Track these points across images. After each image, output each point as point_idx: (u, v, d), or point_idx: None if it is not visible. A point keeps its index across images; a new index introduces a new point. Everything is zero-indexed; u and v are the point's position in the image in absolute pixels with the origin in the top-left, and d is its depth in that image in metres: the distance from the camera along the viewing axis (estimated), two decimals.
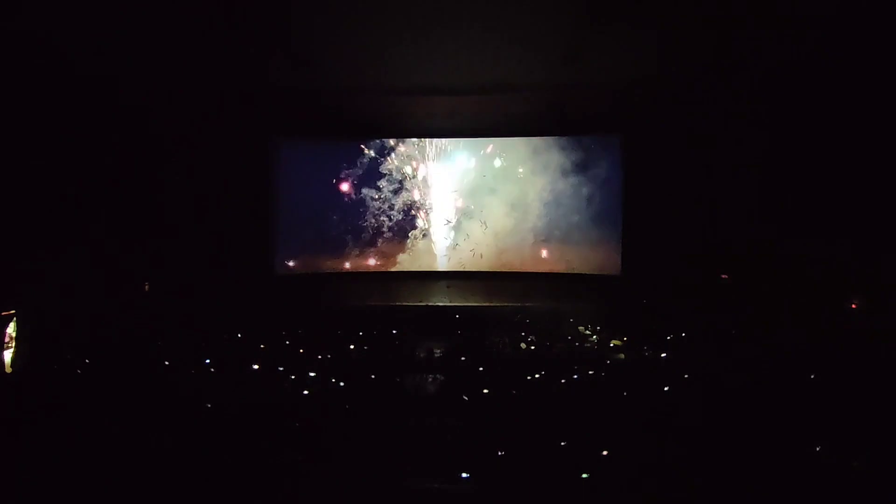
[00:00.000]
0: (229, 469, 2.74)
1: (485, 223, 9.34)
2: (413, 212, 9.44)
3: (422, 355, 5.32)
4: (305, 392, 4.00)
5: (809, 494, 2.56)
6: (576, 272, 9.11)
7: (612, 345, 5.74)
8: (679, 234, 8.05)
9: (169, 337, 5.59)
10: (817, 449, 2.86)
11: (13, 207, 5.81)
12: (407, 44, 6.06)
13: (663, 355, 5.10)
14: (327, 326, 6.44)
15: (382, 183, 9.37)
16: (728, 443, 2.95)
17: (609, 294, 8.38)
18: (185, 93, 7.37)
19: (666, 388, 3.97)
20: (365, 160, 9.33)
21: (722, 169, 7.64)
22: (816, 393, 3.87)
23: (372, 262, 9.47)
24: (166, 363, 4.71)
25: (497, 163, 9.32)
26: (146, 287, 7.40)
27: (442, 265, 9.51)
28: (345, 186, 9.32)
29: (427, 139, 9.35)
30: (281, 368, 4.63)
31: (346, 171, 9.30)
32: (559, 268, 9.24)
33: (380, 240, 9.44)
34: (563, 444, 3.04)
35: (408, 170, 9.39)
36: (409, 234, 9.47)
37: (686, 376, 4.34)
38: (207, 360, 4.74)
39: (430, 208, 9.44)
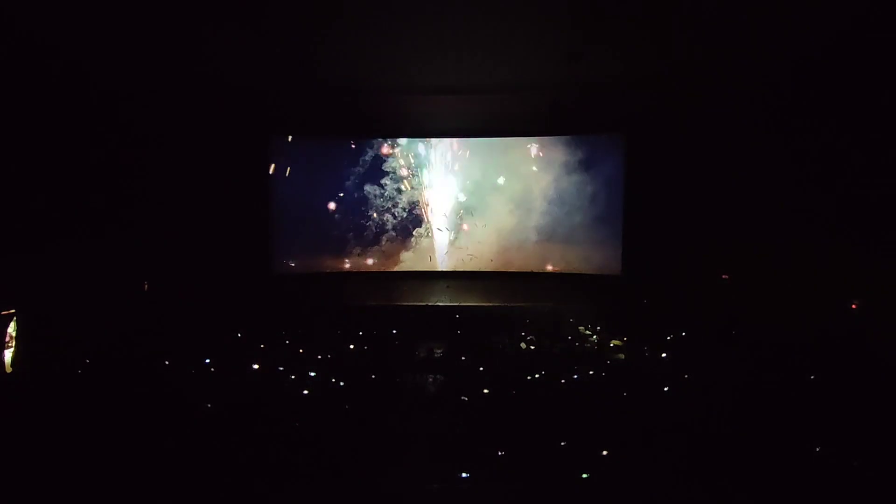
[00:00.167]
0: (229, 469, 2.74)
1: (485, 225, 9.35)
2: (412, 211, 9.44)
3: (422, 355, 5.31)
4: (305, 392, 4.00)
5: (809, 495, 2.57)
6: (576, 272, 9.11)
7: (612, 345, 5.74)
8: (679, 234, 8.04)
9: (168, 336, 5.58)
10: (817, 449, 2.86)
11: (13, 207, 5.81)
12: (407, 43, 6.06)
13: (663, 355, 5.10)
14: (327, 326, 6.44)
15: (382, 183, 9.37)
16: (728, 443, 2.95)
17: (609, 294, 8.38)
18: (185, 92, 7.37)
19: (666, 389, 3.97)
20: (365, 160, 9.32)
21: (722, 169, 7.63)
22: (816, 393, 3.87)
23: (371, 261, 9.48)
24: (166, 363, 4.71)
25: (496, 163, 9.32)
26: (145, 286, 7.40)
27: (442, 265, 9.51)
28: (344, 186, 9.31)
29: (427, 139, 9.35)
30: (281, 368, 4.63)
31: (346, 171, 9.30)
32: (559, 268, 9.24)
33: (379, 239, 9.44)
34: (563, 444, 3.04)
35: (408, 170, 9.39)
36: (409, 234, 9.47)
37: (686, 376, 4.34)
38: (207, 360, 4.75)
39: (430, 208, 9.44)
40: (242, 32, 5.60)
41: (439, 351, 5.37)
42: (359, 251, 9.41)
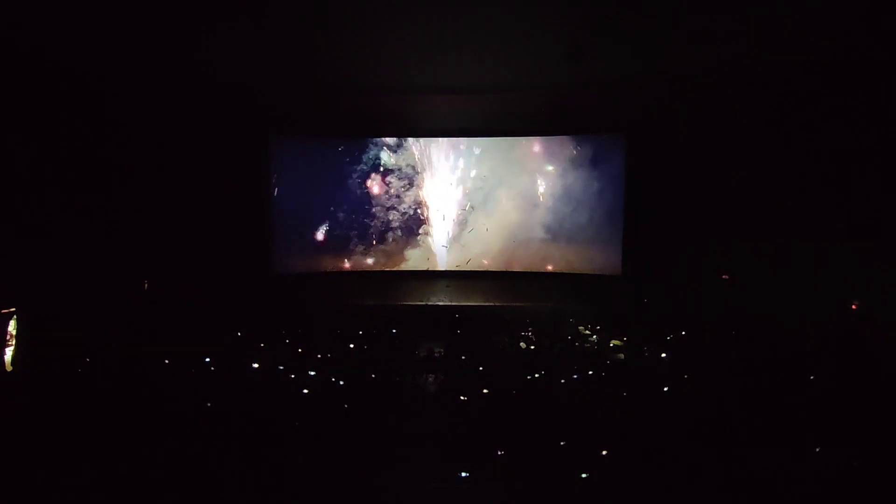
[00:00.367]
0: (229, 468, 2.74)
1: (486, 228, 9.35)
2: (413, 211, 9.44)
3: (422, 355, 5.32)
4: (305, 391, 4.00)
5: (809, 495, 2.57)
6: (576, 272, 9.11)
7: (612, 345, 5.75)
8: (679, 235, 8.05)
9: (168, 335, 5.58)
10: (817, 449, 2.87)
11: (13, 206, 5.81)
12: (408, 42, 6.05)
13: (663, 355, 5.10)
14: (327, 326, 6.45)
15: (383, 182, 9.37)
16: (727, 443, 2.95)
17: (609, 294, 8.39)
18: (185, 91, 7.37)
19: (666, 389, 3.98)
20: (365, 159, 9.32)
21: (722, 169, 7.63)
22: (816, 393, 3.87)
23: (371, 261, 9.48)
24: (166, 362, 4.71)
25: (497, 163, 9.32)
26: (145, 285, 7.40)
27: (442, 265, 9.51)
28: (344, 186, 9.31)
29: (427, 138, 9.35)
30: (281, 367, 4.63)
31: (346, 171, 9.30)
32: (559, 267, 9.24)
33: (379, 239, 9.44)
34: (562, 443, 3.04)
35: (408, 170, 9.39)
36: (409, 234, 9.46)
37: (686, 376, 4.34)
38: (207, 359, 4.75)
39: (430, 208, 9.44)
40: (242, 32, 5.60)
41: (439, 351, 5.38)
42: (363, 249, 9.40)
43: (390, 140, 9.33)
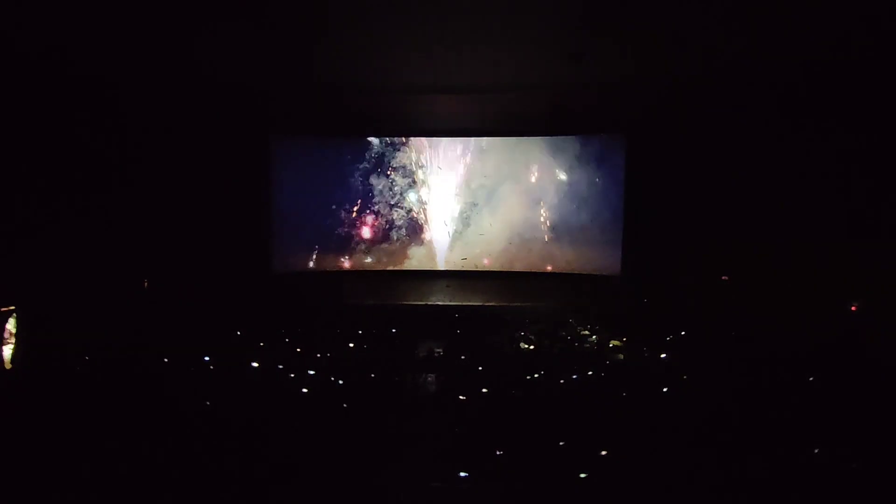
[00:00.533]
0: (229, 468, 2.74)
1: (490, 226, 9.34)
2: (413, 211, 9.44)
3: (422, 355, 5.32)
4: (305, 391, 4.00)
5: (809, 496, 2.56)
6: (576, 272, 9.11)
7: (611, 345, 5.75)
8: (679, 235, 8.05)
9: (168, 334, 5.58)
10: (816, 451, 2.86)
11: (13, 205, 5.81)
12: (408, 42, 6.05)
13: (663, 355, 5.10)
14: (327, 325, 6.44)
15: (382, 182, 9.35)
16: (727, 443, 2.95)
17: (609, 294, 8.38)
18: (185, 90, 7.36)
19: (665, 389, 3.97)
20: (365, 159, 9.31)
21: (722, 169, 7.63)
22: (815, 394, 3.87)
23: (371, 260, 9.47)
24: (165, 361, 4.71)
25: (497, 163, 9.32)
26: (145, 284, 7.40)
27: (442, 264, 9.51)
28: (344, 185, 9.30)
29: (427, 138, 9.35)
30: (280, 367, 4.63)
31: (346, 170, 9.28)
32: (559, 268, 9.23)
33: (380, 238, 9.43)
34: (561, 444, 3.04)
35: (408, 170, 9.38)
36: (409, 234, 9.46)
37: (686, 376, 4.34)
38: (207, 359, 4.75)
39: (431, 208, 9.43)
40: (243, 32, 5.60)
41: (439, 351, 5.38)
42: (363, 248, 9.39)
43: (391, 139, 9.33)
